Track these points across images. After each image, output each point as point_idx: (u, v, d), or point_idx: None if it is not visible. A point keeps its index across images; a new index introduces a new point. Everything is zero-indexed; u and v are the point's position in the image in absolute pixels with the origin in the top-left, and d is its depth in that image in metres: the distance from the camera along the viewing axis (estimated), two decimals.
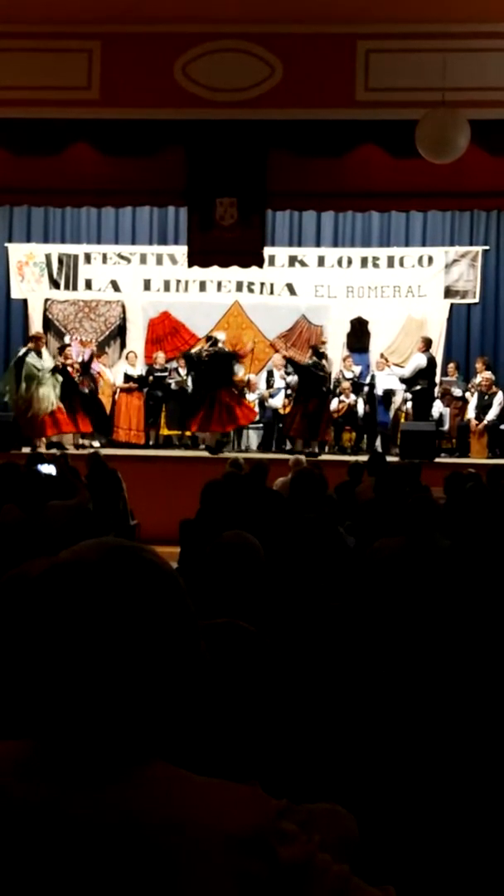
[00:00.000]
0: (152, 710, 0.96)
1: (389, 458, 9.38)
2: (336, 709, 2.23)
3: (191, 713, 0.98)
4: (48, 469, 6.63)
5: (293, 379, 12.04)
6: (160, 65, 9.36)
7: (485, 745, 2.36)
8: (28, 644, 0.97)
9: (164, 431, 12.41)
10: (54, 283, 13.46)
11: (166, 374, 12.26)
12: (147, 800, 0.93)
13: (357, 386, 12.41)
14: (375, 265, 13.36)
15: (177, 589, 1.00)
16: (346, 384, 12.26)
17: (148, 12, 9.04)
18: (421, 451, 10.58)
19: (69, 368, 11.80)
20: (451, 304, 13.24)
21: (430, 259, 13.23)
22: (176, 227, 13.10)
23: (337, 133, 9.75)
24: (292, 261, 13.45)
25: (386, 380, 12.25)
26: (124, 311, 13.55)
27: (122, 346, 13.45)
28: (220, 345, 11.87)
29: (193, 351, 12.13)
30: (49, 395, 11.44)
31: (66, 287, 13.48)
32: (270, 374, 12.75)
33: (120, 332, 13.55)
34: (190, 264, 11.26)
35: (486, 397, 11.85)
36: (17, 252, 13.36)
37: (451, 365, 12.77)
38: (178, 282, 13.45)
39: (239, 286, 13.35)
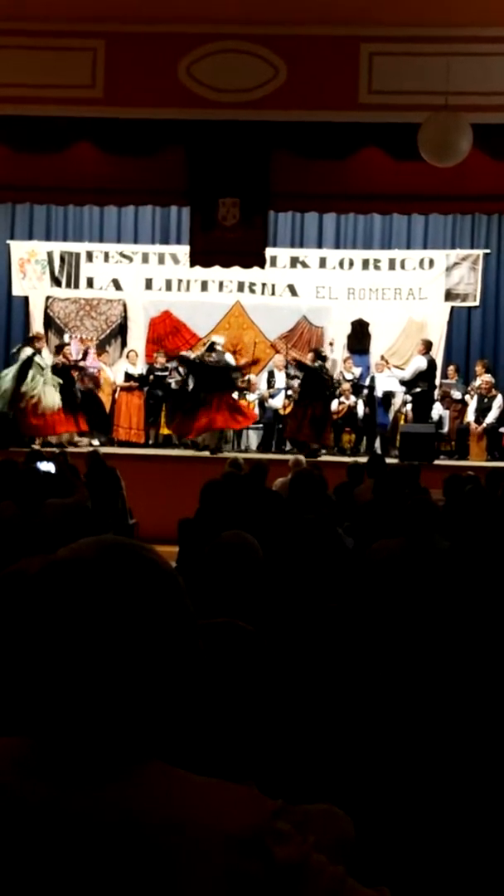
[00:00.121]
0: (151, 709, 0.96)
1: (389, 460, 9.38)
2: (333, 709, 2.23)
3: (189, 713, 0.98)
4: (47, 466, 6.63)
5: (297, 381, 11.99)
6: (164, 64, 9.36)
7: (483, 747, 2.36)
8: (26, 642, 0.96)
9: (164, 431, 12.40)
10: (56, 281, 13.47)
11: (167, 373, 12.26)
12: (146, 799, 0.92)
13: (357, 388, 12.42)
14: (377, 267, 13.38)
15: (176, 588, 1.00)
16: (346, 386, 12.27)
17: (153, 12, 9.04)
18: (420, 453, 10.58)
19: (70, 368, 11.81)
20: (452, 307, 13.26)
21: (432, 262, 13.24)
22: (178, 226, 13.12)
23: (340, 135, 9.75)
24: (294, 262, 13.47)
25: (386, 382, 12.25)
26: (125, 310, 13.56)
27: (123, 344, 13.46)
28: (218, 347, 11.84)
29: (194, 356, 12.02)
30: (53, 394, 11.46)
31: (68, 285, 13.49)
32: (271, 375, 12.75)
33: (121, 330, 13.56)
34: (192, 264, 11.27)
35: (486, 400, 11.86)
36: (19, 249, 13.36)
37: (451, 368, 12.78)
38: (180, 281, 13.46)
39: (240, 286, 13.36)
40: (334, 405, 12.00)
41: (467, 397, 12.25)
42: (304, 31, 9.19)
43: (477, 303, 13.23)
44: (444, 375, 12.66)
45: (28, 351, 11.57)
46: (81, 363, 12.17)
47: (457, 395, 12.39)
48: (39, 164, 10.08)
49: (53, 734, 0.95)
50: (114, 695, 0.94)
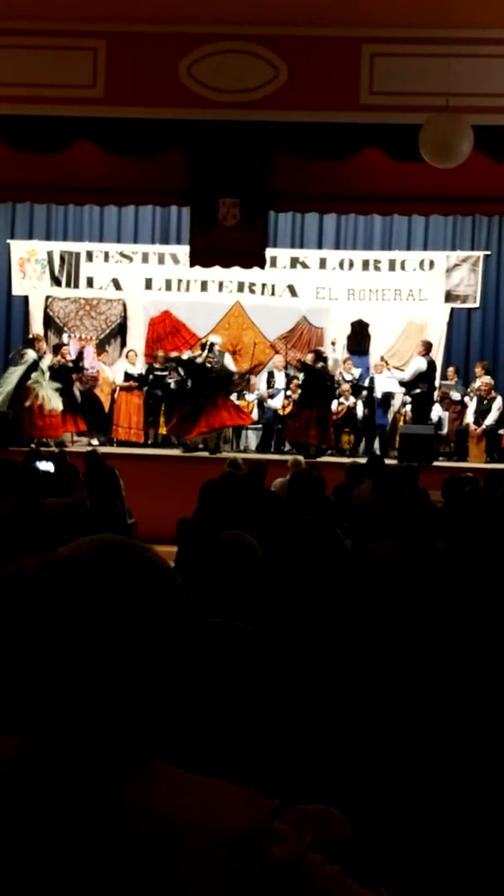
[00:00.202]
0: (149, 708, 0.96)
1: (388, 461, 9.38)
2: (331, 710, 2.23)
3: (188, 713, 0.98)
4: (46, 466, 6.62)
5: (301, 376, 11.94)
6: (165, 64, 9.36)
7: (481, 747, 2.36)
8: (24, 640, 0.96)
9: (164, 430, 12.40)
10: (56, 281, 13.47)
11: (166, 373, 12.25)
12: (144, 798, 0.93)
13: (356, 388, 12.42)
14: (377, 268, 13.38)
15: (174, 587, 1.00)
16: (345, 386, 12.27)
17: (154, 12, 9.04)
18: (419, 454, 10.59)
19: (69, 370, 11.82)
20: (452, 309, 13.27)
21: (432, 263, 13.24)
22: (178, 226, 13.13)
23: (340, 136, 9.75)
24: (294, 262, 13.47)
25: (385, 383, 12.26)
26: (125, 310, 13.56)
27: (123, 344, 13.47)
28: (216, 349, 11.82)
29: (187, 357, 11.97)
30: (56, 396, 11.47)
31: (68, 285, 13.50)
32: (271, 375, 12.75)
33: (120, 330, 13.57)
34: (192, 264, 11.26)
35: (485, 402, 11.86)
36: (19, 249, 13.37)
37: (451, 369, 12.79)
38: (180, 281, 13.46)
39: (240, 287, 13.36)
40: (333, 406, 11.99)
41: (467, 399, 12.25)
42: (305, 31, 9.19)
43: (477, 304, 13.24)
44: (444, 377, 12.66)
45: (33, 354, 11.59)
46: (79, 363, 12.17)
47: (456, 396, 12.40)
48: (40, 163, 10.08)
49: (53, 734, 0.95)
50: (112, 694, 0.94)
